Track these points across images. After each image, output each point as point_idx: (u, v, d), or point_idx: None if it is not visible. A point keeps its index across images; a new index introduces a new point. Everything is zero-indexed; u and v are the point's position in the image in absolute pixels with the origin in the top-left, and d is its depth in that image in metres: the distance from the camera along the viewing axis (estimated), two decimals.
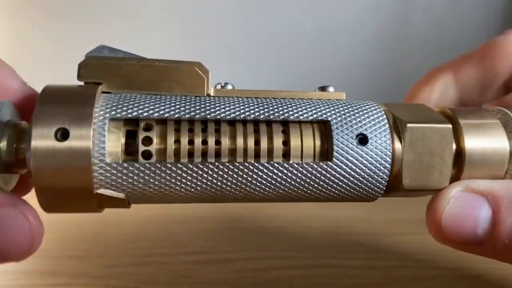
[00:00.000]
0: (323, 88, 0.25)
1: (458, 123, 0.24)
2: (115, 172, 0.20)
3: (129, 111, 0.21)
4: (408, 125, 0.23)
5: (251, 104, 0.23)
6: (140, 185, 0.21)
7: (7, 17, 0.54)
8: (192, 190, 0.22)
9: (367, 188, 0.23)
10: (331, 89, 0.25)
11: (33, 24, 0.53)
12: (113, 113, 0.21)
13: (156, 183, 0.21)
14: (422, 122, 0.23)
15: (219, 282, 0.29)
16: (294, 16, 0.60)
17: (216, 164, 0.21)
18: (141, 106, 0.21)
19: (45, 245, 0.32)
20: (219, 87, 0.24)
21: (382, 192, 0.24)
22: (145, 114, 0.21)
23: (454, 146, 0.24)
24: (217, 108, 0.22)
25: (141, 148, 0.21)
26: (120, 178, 0.20)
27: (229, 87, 0.24)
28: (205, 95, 0.23)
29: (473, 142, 0.24)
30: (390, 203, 0.30)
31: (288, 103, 0.23)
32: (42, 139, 0.19)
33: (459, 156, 0.24)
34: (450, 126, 0.24)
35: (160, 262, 0.31)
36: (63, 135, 0.20)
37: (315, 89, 0.26)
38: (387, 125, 0.23)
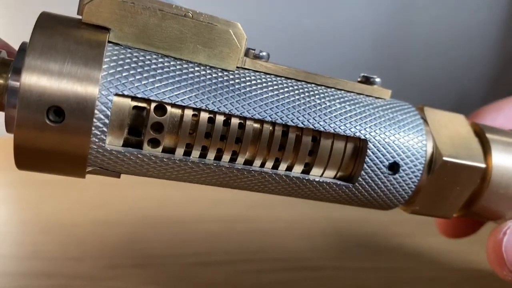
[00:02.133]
0: (367, 79, 0.21)
1: (487, 144, 0.22)
2: (113, 158, 0.17)
3: (140, 87, 0.16)
4: (444, 158, 0.21)
5: (286, 96, 0.19)
6: (141, 172, 0.18)
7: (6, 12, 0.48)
8: (199, 182, 0.19)
9: (378, 208, 0.22)
10: (377, 80, 0.21)
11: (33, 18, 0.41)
12: (120, 86, 0.16)
13: (160, 174, 0.18)
14: (459, 158, 0.21)
15: (219, 284, 0.29)
16: (294, 15, 0.57)
17: (231, 167, 0.18)
18: (158, 79, 0.17)
19: (44, 247, 0.31)
20: (251, 56, 0.19)
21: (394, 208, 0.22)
22: (159, 95, 0.17)
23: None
24: (247, 96, 0.18)
25: (149, 135, 0.17)
26: (117, 163, 0.17)
27: (263, 54, 0.20)
28: (235, 68, 0.19)
29: (500, 163, 0.22)
30: None
31: (329, 104, 0.19)
32: (36, 73, 0.15)
33: (484, 177, 0.22)
34: (484, 166, 0.22)
35: (160, 263, 0.30)
36: (56, 117, 0.15)
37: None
38: (424, 157, 0.21)
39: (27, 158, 0.17)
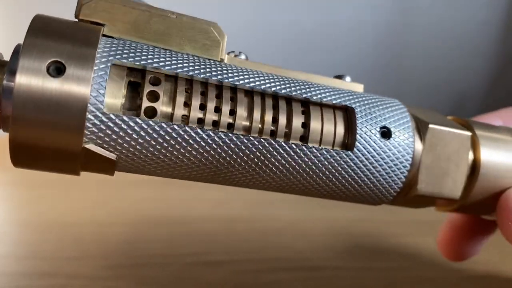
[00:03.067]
0: (339, 77, 0.23)
1: (474, 134, 0.23)
2: (111, 125, 0.17)
3: (136, 58, 0.18)
4: (430, 126, 0.22)
5: (270, 78, 0.20)
6: (138, 147, 0.18)
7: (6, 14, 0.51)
8: (196, 161, 0.19)
9: (382, 188, 0.21)
10: (347, 78, 0.24)
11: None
12: (117, 57, 0.17)
13: (158, 146, 0.18)
14: (443, 125, 0.22)
15: (219, 283, 0.29)
16: (293, 15, 0.59)
17: (229, 135, 0.18)
18: (150, 56, 0.18)
19: (44, 246, 0.31)
20: (232, 55, 0.22)
21: (395, 194, 0.22)
22: (154, 65, 0.18)
23: (471, 156, 0.23)
24: (234, 75, 0.19)
25: (145, 103, 0.18)
26: (116, 134, 0.17)
27: (243, 57, 0.22)
28: (219, 60, 0.21)
29: (489, 155, 0.23)
30: None
31: (309, 84, 0.21)
32: (30, 74, 0.16)
33: (474, 167, 0.23)
34: (469, 133, 0.22)
35: (159, 263, 0.30)
36: (57, 70, 0.16)
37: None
38: (410, 123, 0.22)
39: (24, 154, 0.17)
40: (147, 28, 0.20)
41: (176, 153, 0.18)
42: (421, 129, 0.22)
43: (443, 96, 0.65)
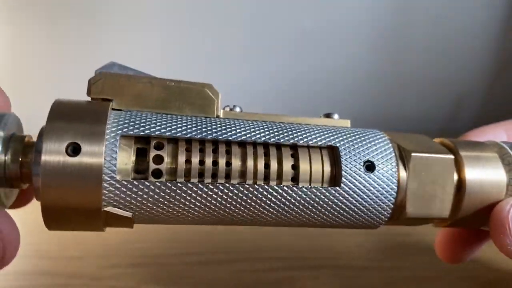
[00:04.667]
0: (328, 115, 0.26)
1: (459, 155, 0.25)
2: (124, 189, 0.20)
3: (141, 128, 0.21)
4: (413, 154, 0.24)
5: (260, 127, 0.23)
6: (149, 204, 0.20)
7: (7, 18, 0.54)
8: (201, 211, 0.21)
9: (372, 215, 0.23)
10: (335, 116, 0.26)
11: (33, 24, 0.52)
12: (125, 130, 0.20)
13: (166, 202, 0.21)
14: (425, 152, 0.24)
15: (219, 283, 0.29)
16: (293, 15, 0.60)
17: (226, 185, 0.21)
18: (153, 125, 0.21)
19: (46, 246, 0.33)
20: (227, 109, 0.24)
21: (386, 219, 0.24)
22: (156, 132, 0.21)
23: (455, 177, 0.24)
24: (227, 130, 0.22)
25: (152, 166, 0.21)
26: (129, 196, 0.20)
27: (237, 109, 0.25)
28: (215, 116, 0.23)
29: (474, 174, 0.24)
30: None
31: (296, 128, 0.23)
32: (52, 154, 0.19)
33: (460, 186, 0.24)
34: (452, 157, 0.24)
35: (160, 263, 0.31)
36: (74, 149, 0.19)
37: (319, 115, 0.26)
38: (393, 154, 0.23)
39: (53, 218, 0.20)
40: (150, 97, 0.23)
41: (182, 205, 0.21)
42: (405, 157, 0.24)
43: (442, 97, 0.65)
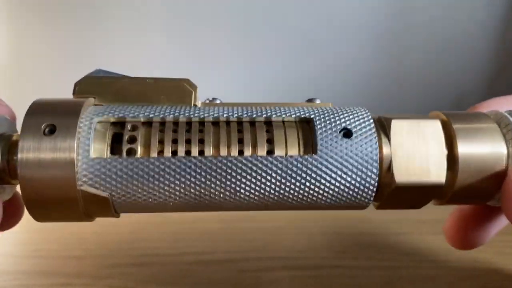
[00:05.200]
0: (310, 100, 0.26)
1: (451, 127, 0.24)
2: (98, 167, 0.21)
3: (116, 113, 0.22)
4: (393, 120, 0.23)
5: (235, 109, 0.23)
6: (124, 182, 0.21)
7: (7, 18, 0.56)
8: (177, 188, 0.21)
9: (356, 189, 0.22)
10: (317, 101, 0.26)
11: (33, 24, 0.55)
12: (101, 114, 0.22)
13: (140, 179, 0.21)
14: (407, 118, 0.23)
15: (219, 283, 0.29)
16: (293, 16, 0.61)
17: (200, 158, 0.21)
18: (128, 110, 0.22)
19: (45, 245, 0.33)
20: (206, 101, 0.25)
21: (372, 193, 0.23)
22: (131, 115, 0.22)
23: (446, 151, 0.23)
24: (201, 112, 0.23)
25: (126, 146, 0.21)
26: (104, 174, 0.21)
27: (217, 101, 0.25)
28: (192, 105, 0.24)
29: (467, 147, 0.23)
30: None
31: (273, 108, 0.24)
32: (28, 151, 0.20)
33: (453, 161, 0.23)
34: (437, 120, 0.23)
35: (160, 262, 0.31)
36: (50, 131, 0.20)
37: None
38: (371, 121, 0.23)
39: (36, 207, 0.21)
40: (130, 92, 0.24)
41: (157, 182, 0.21)
42: (386, 126, 0.23)
43: (442, 96, 0.64)
